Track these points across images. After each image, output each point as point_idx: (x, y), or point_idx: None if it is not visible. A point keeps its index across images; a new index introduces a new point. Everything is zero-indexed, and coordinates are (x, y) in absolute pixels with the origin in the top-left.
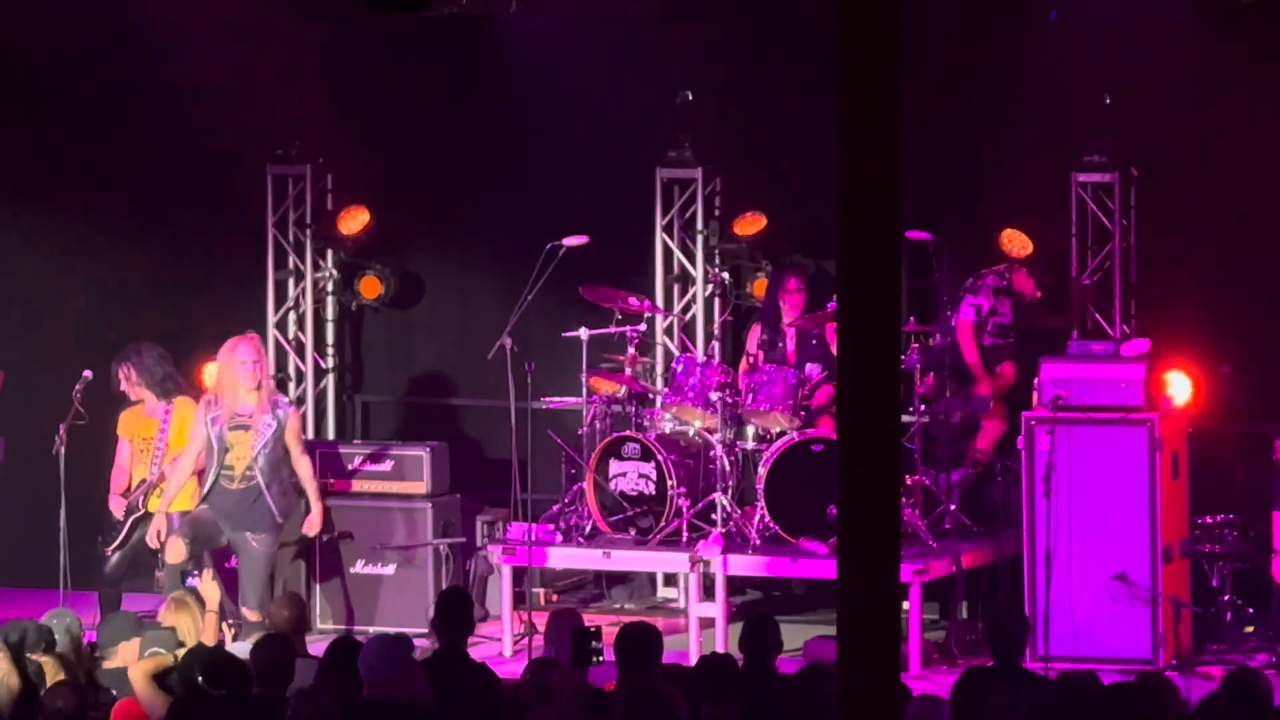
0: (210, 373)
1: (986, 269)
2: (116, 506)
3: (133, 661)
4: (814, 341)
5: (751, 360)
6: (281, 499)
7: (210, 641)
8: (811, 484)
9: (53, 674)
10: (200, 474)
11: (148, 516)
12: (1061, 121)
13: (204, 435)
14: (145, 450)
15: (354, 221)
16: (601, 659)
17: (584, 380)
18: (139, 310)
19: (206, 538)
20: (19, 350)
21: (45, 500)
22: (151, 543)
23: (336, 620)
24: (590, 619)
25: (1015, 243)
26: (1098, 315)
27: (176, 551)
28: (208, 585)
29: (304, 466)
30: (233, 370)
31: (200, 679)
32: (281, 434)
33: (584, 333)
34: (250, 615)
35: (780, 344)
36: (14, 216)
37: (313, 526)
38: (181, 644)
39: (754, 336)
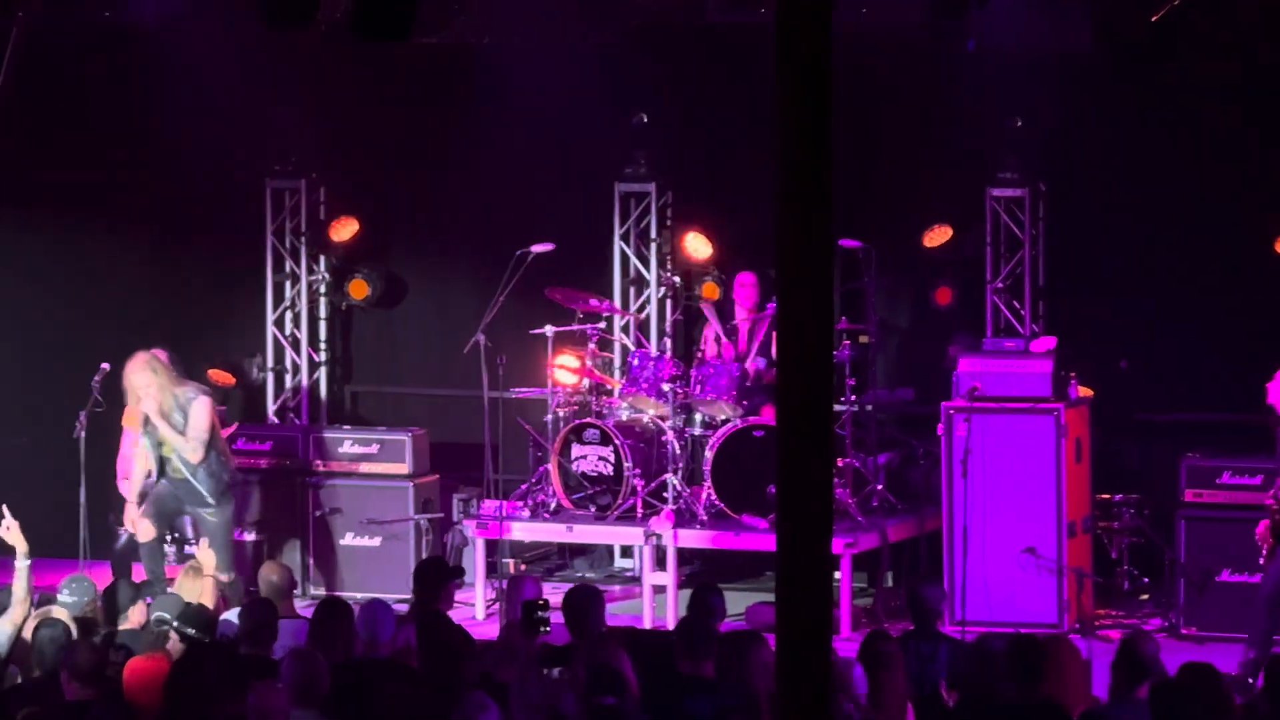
0: (218, 374)
1: None
2: (125, 488)
3: (140, 623)
4: (760, 338)
5: (701, 355)
6: (209, 480)
7: (209, 604)
8: (753, 466)
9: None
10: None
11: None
12: (977, 141)
13: (142, 444)
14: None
15: (344, 230)
16: (549, 628)
17: (549, 373)
18: (152, 310)
19: (171, 511)
20: (45, 346)
21: (67, 479)
22: (129, 527)
23: (328, 587)
24: (554, 586)
25: (937, 236)
26: (1009, 315)
27: (146, 530)
28: (204, 553)
29: (175, 437)
30: (134, 390)
31: (183, 627)
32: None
33: (550, 330)
34: (221, 577)
35: (734, 337)
36: (40, 230)
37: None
38: (188, 605)
39: (706, 336)
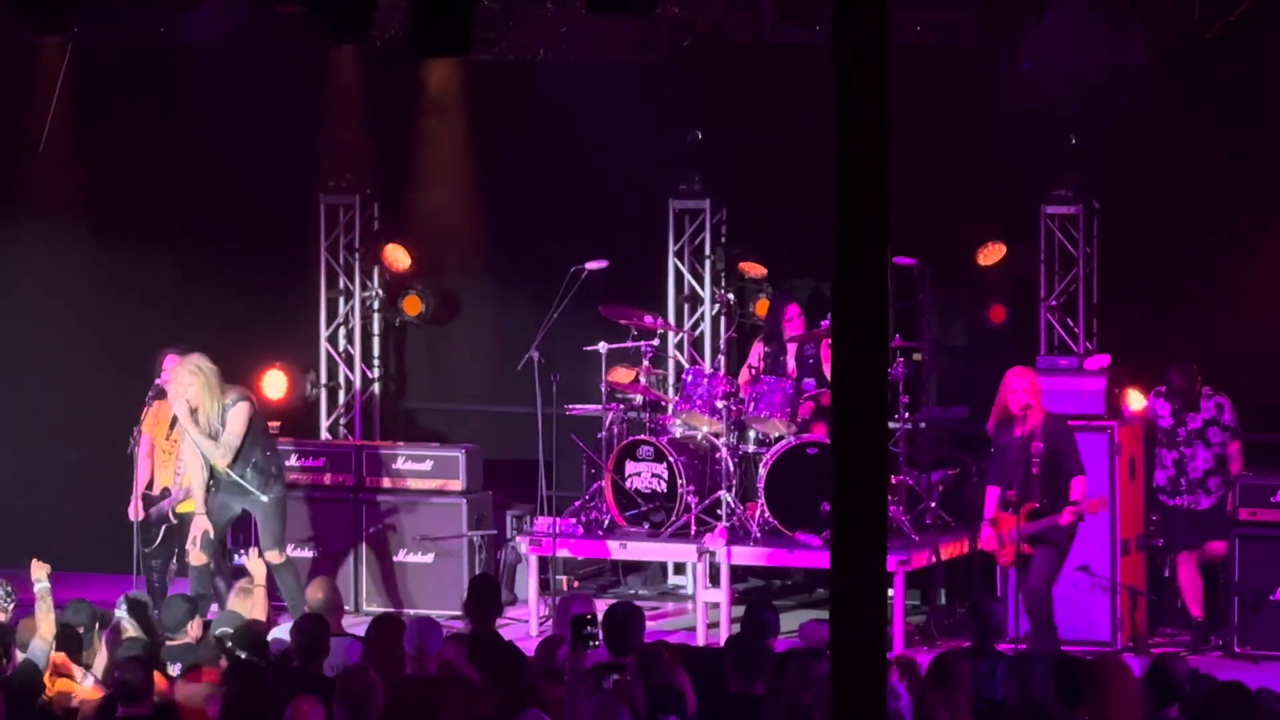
0: (271, 381)
1: None
2: (135, 511)
3: (196, 637)
4: (810, 359)
5: (754, 372)
6: (257, 478)
7: (261, 615)
8: (807, 483)
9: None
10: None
11: (181, 524)
12: (1031, 159)
13: (190, 441)
14: (169, 453)
15: (397, 256)
16: (598, 643)
17: (603, 388)
18: (204, 326)
19: (221, 527)
20: (97, 362)
21: (120, 494)
22: (191, 547)
23: (382, 603)
24: (606, 603)
25: (991, 254)
26: (1062, 333)
27: (198, 556)
28: (254, 562)
29: (204, 441)
30: (174, 387)
31: (240, 651)
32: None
33: (603, 347)
34: (274, 558)
35: (781, 358)
36: (92, 245)
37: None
38: (245, 624)
39: (756, 351)
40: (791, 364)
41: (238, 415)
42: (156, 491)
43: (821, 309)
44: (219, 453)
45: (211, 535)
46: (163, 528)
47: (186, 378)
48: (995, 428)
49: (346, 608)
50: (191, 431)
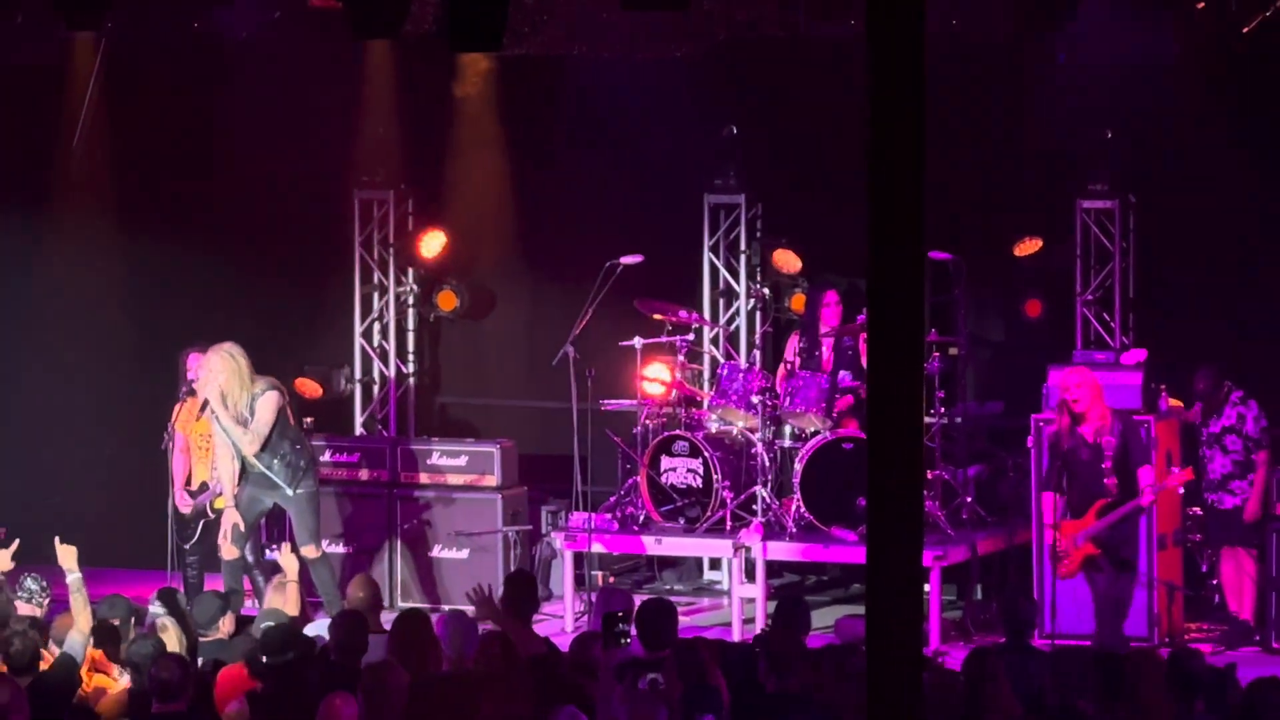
0: (305, 383)
1: None
2: (184, 504)
3: (229, 633)
4: (848, 351)
5: (789, 367)
6: (285, 470)
7: (294, 611)
8: (843, 478)
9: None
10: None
11: (219, 519)
12: (1067, 153)
13: (220, 432)
14: (205, 448)
15: (432, 245)
16: (629, 640)
17: (638, 385)
18: (239, 321)
19: (252, 521)
20: (131, 357)
21: (154, 489)
22: (223, 542)
23: (417, 599)
24: (642, 599)
25: (1026, 246)
26: (1099, 327)
27: (230, 551)
28: (286, 557)
29: (234, 427)
30: (207, 372)
31: (265, 656)
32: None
33: (638, 342)
34: (310, 553)
35: (817, 352)
36: (126, 240)
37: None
38: (289, 617)
39: (792, 345)
40: (827, 355)
41: (267, 404)
42: (194, 487)
43: (857, 303)
44: (247, 439)
45: (242, 528)
46: (200, 523)
47: (218, 363)
48: (1069, 432)
49: (383, 603)
50: (221, 417)
